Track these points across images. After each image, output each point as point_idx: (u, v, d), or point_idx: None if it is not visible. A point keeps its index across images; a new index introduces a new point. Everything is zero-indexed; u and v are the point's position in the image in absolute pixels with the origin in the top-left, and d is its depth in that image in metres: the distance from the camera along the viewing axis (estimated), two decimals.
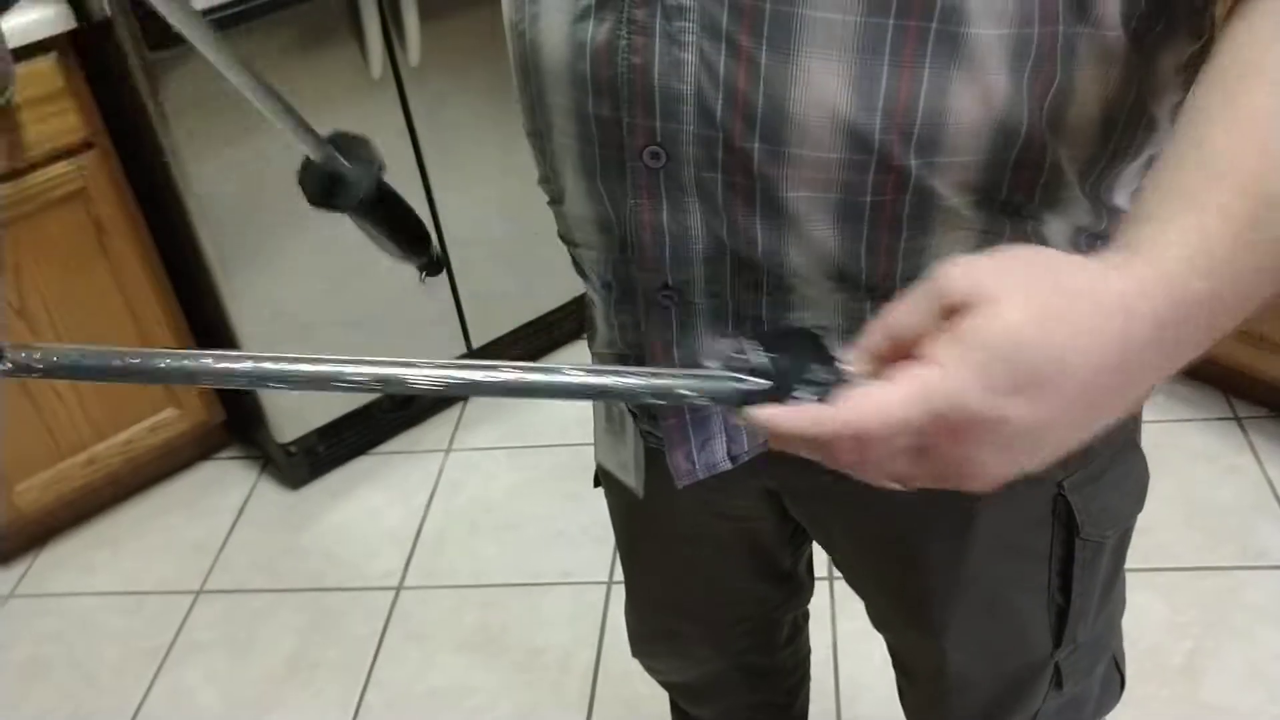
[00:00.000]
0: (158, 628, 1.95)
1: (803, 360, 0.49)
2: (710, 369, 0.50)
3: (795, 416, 0.46)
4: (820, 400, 0.47)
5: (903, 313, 0.46)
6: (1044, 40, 0.56)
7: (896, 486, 0.49)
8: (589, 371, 0.49)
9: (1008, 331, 0.42)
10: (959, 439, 0.44)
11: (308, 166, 0.67)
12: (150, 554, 2.10)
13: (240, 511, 2.18)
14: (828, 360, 0.49)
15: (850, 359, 0.48)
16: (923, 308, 0.45)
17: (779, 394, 0.48)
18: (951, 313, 0.44)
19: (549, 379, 0.49)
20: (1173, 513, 1.84)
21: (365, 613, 1.92)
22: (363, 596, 1.95)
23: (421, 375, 0.49)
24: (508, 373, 0.49)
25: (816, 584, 1.10)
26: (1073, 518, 0.76)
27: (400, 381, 0.49)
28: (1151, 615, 1.68)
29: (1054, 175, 0.62)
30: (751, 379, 0.49)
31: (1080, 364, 0.43)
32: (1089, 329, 0.43)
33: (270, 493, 2.21)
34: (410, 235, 0.73)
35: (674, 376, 0.50)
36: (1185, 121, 0.50)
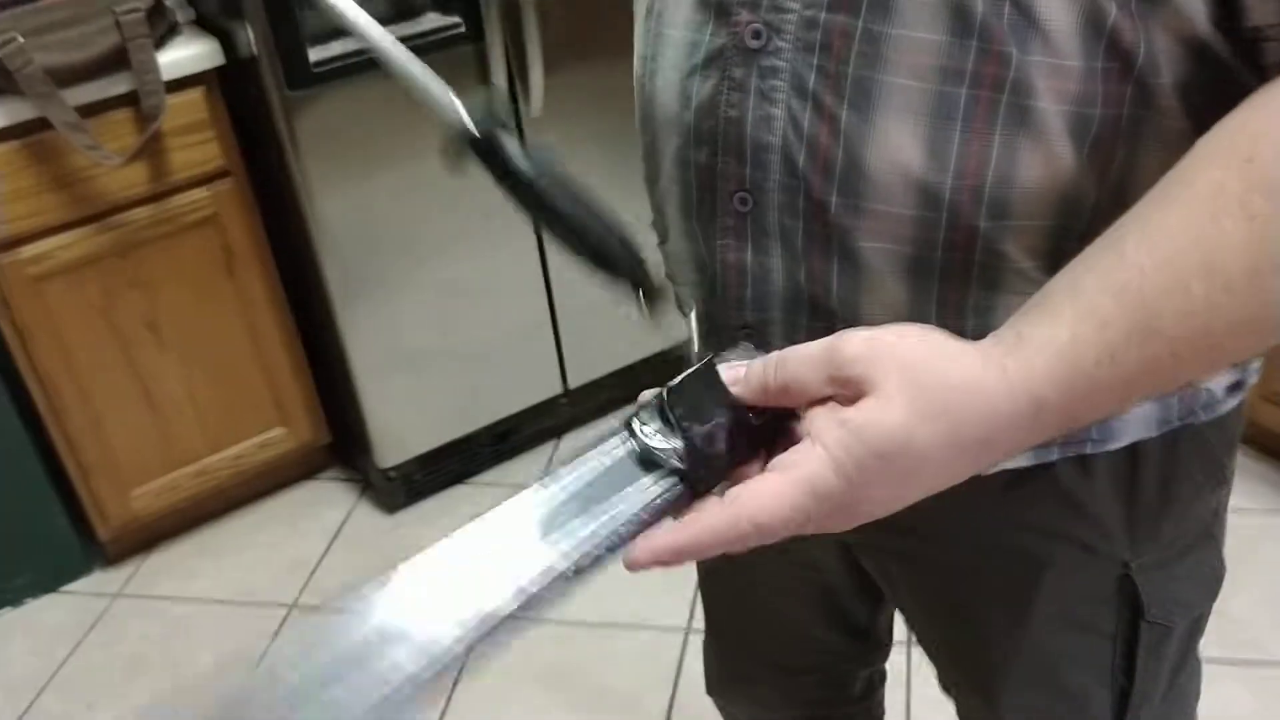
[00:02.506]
0: (251, 637, 2.02)
1: (706, 408, 0.53)
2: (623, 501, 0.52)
3: (702, 534, 0.51)
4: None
5: (801, 365, 0.51)
6: (1106, 121, 0.60)
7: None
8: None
9: (889, 433, 0.49)
10: (827, 516, 0.51)
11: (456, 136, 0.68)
12: (249, 566, 2.19)
13: (337, 531, 2.26)
14: (723, 398, 0.53)
15: (742, 381, 0.53)
16: (819, 370, 0.51)
17: (692, 485, 0.52)
18: (843, 385, 0.50)
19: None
20: (1268, 606, 1.80)
21: None
22: None
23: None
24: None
25: (896, 646, 1.11)
26: (1139, 599, 0.77)
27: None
28: (1237, 708, 1.64)
29: None
30: (663, 491, 0.52)
31: (946, 458, 0.50)
32: (961, 430, 0.50)
33: (367, 515, 2.28)
34: (599, 235, 0.72)
35: (593, 541, 0.51)
36: (1119, 222, 0.54)
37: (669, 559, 0.51)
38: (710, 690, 1.13)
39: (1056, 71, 0.58)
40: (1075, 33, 0.57)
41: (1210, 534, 0.80)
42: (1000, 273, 0.64)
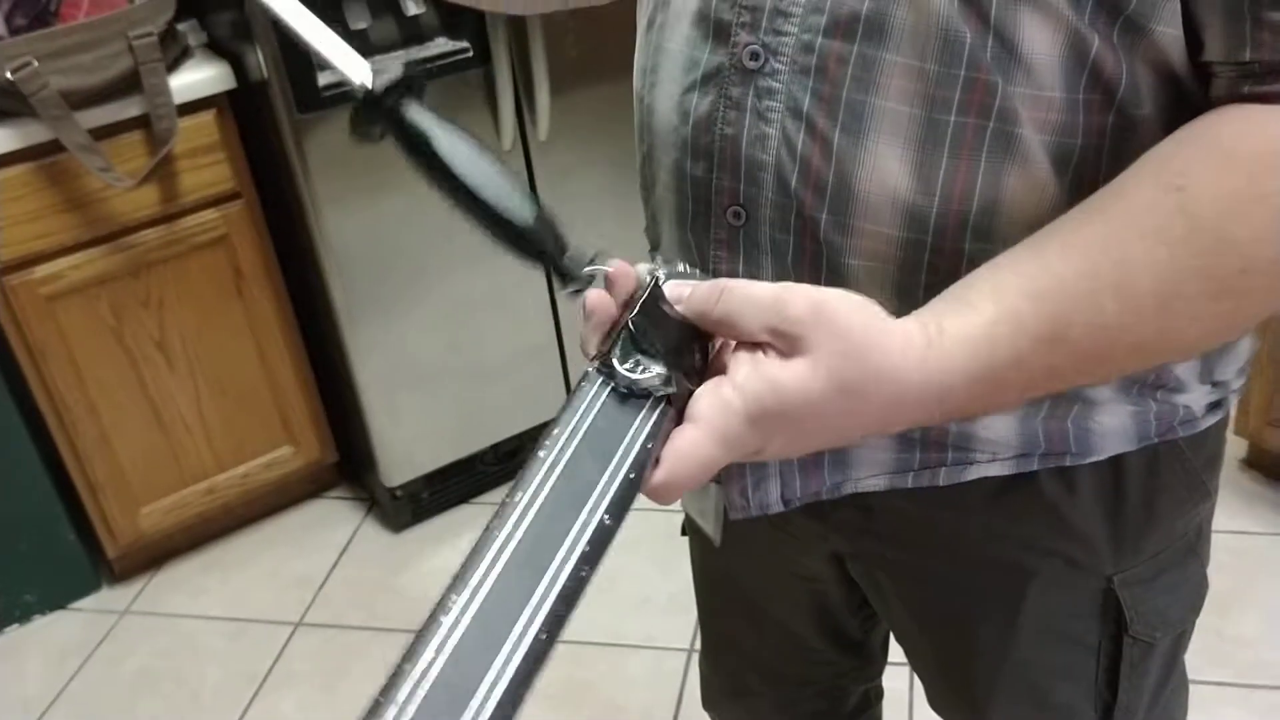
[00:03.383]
0: (258, 655, 2.04)
1: (669, 329, 0.55)
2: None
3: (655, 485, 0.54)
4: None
5: (745, 305, 0.54)
6: (1088, 149, 0.62)
7: None
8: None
9: (804, 399, 0.52)
10: (738, 456, 0.54)
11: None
12: (256, 583, 2.20)
13: (344, 550, 2.27)
14: (675, 314, 0.56)
15: (684, 300, 0.57)
16: (762, 317, 0.54)
17: (679, 406, 0.55)
18: (779, 338, 0.53)
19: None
20: (1273, 629, 1.80)
21: None
22: None
23: None
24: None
25: (897, 670, 1.12)
26: (1122, 614, 0.78)
27: None
28: None
29: None
30: (656, 418, 0.54)
31: (844, 426, 0.54)
32: (867, 407, 0.53)
33: (373, 534, 2.30)
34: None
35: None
36: (1049, 225, 0.57)
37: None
38: (706, 704, 1.14)
39: (1039, 102, 0.60)
40: (1057, 64, 0.59)
41: (1194, 550, 0.81)
42: None
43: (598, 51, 2.00)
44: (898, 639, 0.93)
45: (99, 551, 2.17)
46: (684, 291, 0.57)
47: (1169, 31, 0.57)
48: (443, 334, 2.11)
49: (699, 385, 0.55)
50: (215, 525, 2.29)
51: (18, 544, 2.10)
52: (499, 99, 1.96)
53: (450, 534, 2.26)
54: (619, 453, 0.53)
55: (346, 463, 2.36)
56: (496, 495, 2.33)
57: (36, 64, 1.71)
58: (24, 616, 2.15)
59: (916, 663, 0.92)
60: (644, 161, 0.77)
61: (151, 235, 1.93)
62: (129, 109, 1.83)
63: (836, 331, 0.52)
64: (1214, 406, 0.76)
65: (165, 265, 1.97)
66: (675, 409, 0.55)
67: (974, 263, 0.64)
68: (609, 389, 0.55)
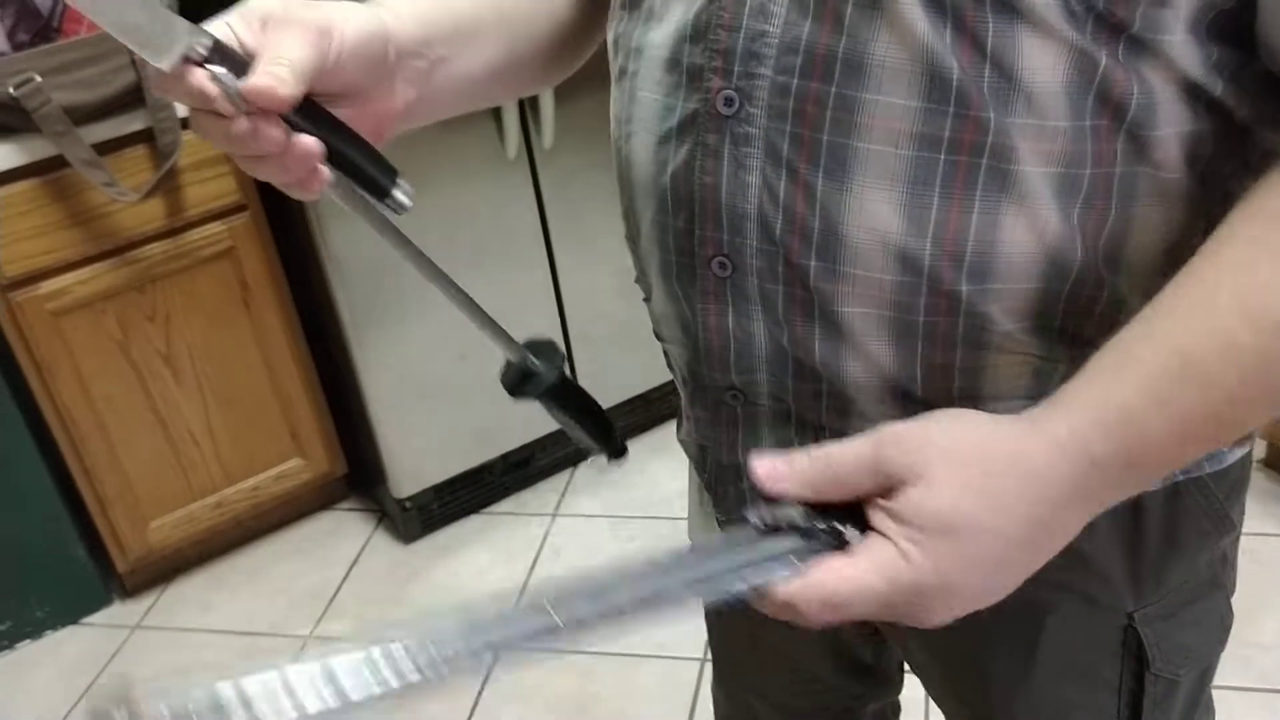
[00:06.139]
0: None
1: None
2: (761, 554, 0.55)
3: (792, 591, 0.54)
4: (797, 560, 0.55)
5: (847, 468, 0.55)
6: (1096, 180, 0.59)
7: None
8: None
9: (936, 513, 0.52)
10: (913, 604, 0.54)
11: (508, 365, 0.82)
12: (267, 597, 2.20)
13: (354, 562, 2.26)
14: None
15: (789, 477, 0.56)
16: (868, 475, 0.54)
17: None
18: (890, 481, 0.53)
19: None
20: None
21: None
22: None
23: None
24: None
25: (915, 690, 1.10)
26: (1144, 651, 0.75)
27: None
28: None
29: (1113, 305, 0.63)
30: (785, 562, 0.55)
31: (1007, 528, 0.53)
32: (1014, 498, 0.52)
33: (384, 545, 2.29)
34: (594, 423, 0.84)
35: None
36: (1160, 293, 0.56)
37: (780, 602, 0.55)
38: None
39: (1041, 133, 0.57)
40: (1061, 91, 0.56)
41: (1218, 582, 0.78)
42: (985, 334, 0.64)
43: (601, 58, 1.98)
44: (914, 671, 0.91)
45: (109, 567, 2.16)
46: (781, 468, 0.56)
47: (1178, 40, 0.55)
48: (451, 344, 2.10)
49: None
50: (225, 539, 2.28)
51: (28, 560, 2.09)
52: (503, 107, 1.95)
53: (461, 545, 2.25)
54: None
55: (356, 475, 2.35)
56: (506, 505, 2.33)
57: (39, 79, 1.71)
58: (35, 632, 2.15)
59: (936, 697, 0.90)
60: (626, 213, 0.75)
61: (157, 249, 1.92)
62: (133, 123, 1.82)
63: (940, 448, 0.53)
64: (1240, 440, 0.73)
65: (171, 279, 1.96)
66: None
67: (972, 304, 0.62)
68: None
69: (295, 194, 0.66)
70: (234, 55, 0.59)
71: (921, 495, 0.52)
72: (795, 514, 0.55)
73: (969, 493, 0.52)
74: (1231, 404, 0.54)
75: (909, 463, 0.53)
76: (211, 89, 0.58)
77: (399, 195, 0.66)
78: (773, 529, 0.55)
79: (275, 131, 0.60)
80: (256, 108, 0.59)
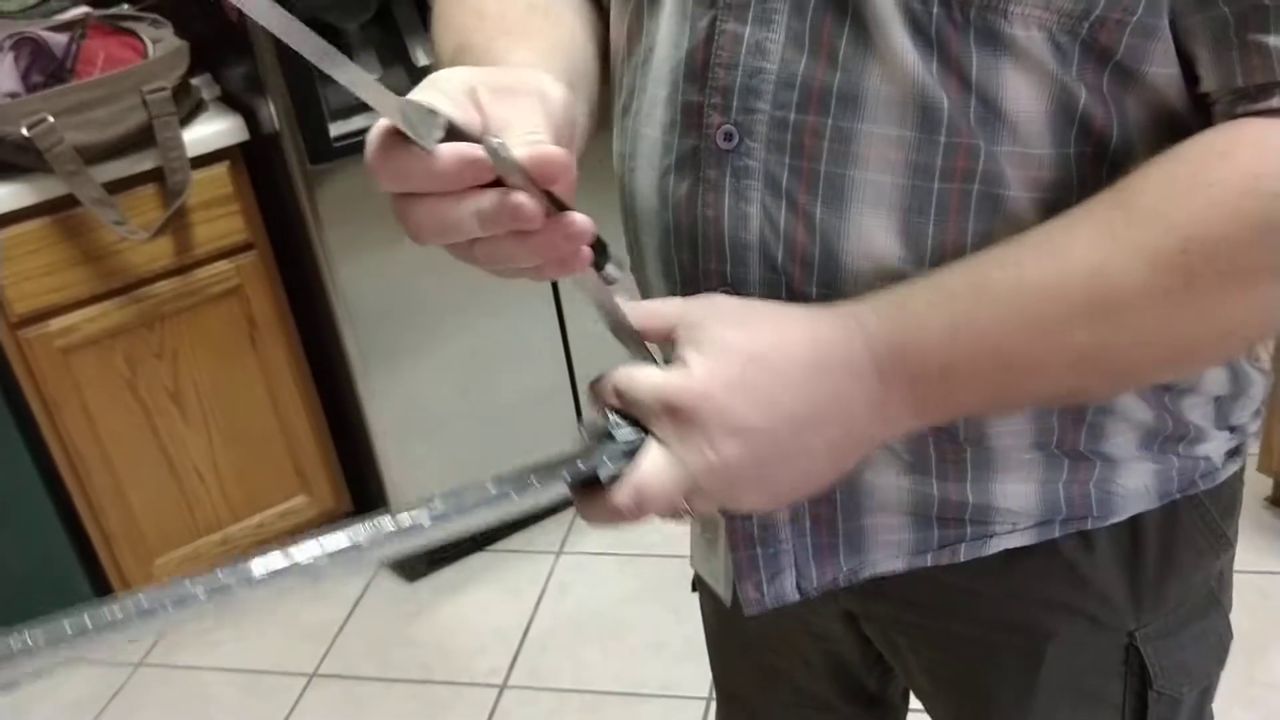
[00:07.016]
0: (272, 707, 2.02)
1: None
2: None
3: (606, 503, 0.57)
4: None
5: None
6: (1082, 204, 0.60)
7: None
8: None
9: (715, 340, 0.56)
10: (711, 467, 0.56)
11: None
12: (270, 635, 2.19)
13: (358, 600, 2.26)
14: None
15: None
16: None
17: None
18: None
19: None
20: None
21: (469, 707, 1.96)
22: (467, 691, 2.00)
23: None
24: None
25: (917, 715, 1.10)
26: (1145, 670, 0.76)
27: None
28: None
29: None
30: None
31: (777, 363, 0.56)
32: (778, 335, 0.56)
33: (388, 583, 2.28)
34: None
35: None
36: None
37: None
38: None
39: (1027, 160, 0.59)
40: (1044, 122, 0.58)
41: (1216, 600, 0.79)
42: None
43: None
44: (916, 696, 0.91)
45: None
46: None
47: (1162, 71, 0.57)
48: (455, 381, 2.11)
49: None
50: None
51: (32, 596, 2.09)
52: None
53: (465, 582, 2.25)
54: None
55: (361, 511, 2.34)
56: (511, 542, 2.32)
57: (52, 119, 1.73)
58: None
59: (937, 718, 0.90)
60: (631, 245, 0.77)
61: (165, 287, 1.94)
62: (143, 162, 1.84)
63: (715, 317, 0.57)
64: (1233, 455, 0.75)
65: (179, 316, 1.98)
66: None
67: None
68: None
69: (543, 276, 0.57)
70: (463, 133, 0.51)
71: (696, 335, 0.57)
72: (609, 422, 0.59)
73: (734, 326, 0.56)
74: (1009, 337, 0.56)
75: (692, 321, 0.58)
76: (483, 161, 0.50)
77: (610, 269, 0.58)
78: (594, 438, 0.59)
79: (540, 207, 0.51)
80: (535, 182, 0.50)
